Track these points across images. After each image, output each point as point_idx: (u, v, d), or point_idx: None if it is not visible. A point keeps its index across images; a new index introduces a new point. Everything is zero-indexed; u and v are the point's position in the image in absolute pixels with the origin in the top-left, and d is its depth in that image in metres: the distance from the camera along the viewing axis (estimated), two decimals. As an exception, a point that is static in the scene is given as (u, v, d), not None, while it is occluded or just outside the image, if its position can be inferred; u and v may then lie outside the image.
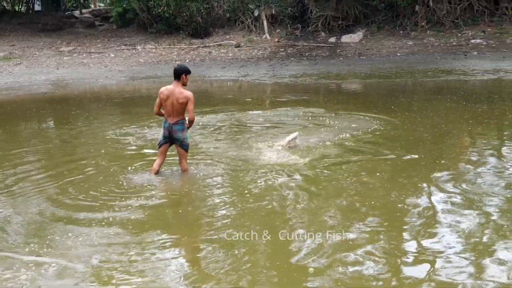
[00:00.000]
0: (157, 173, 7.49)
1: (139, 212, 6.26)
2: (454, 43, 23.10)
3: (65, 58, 25.63)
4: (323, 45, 24.48)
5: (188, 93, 7.16)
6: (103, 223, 5.94)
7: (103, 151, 9.13)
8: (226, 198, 6.63)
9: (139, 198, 6.67)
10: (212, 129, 10.54)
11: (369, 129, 9.88)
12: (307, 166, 7.70)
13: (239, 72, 19.70)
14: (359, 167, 7.63)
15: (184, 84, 7.23)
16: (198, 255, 5.21)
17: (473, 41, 23.01)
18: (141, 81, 19.25)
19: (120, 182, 7.30)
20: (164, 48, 26.17)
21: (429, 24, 24.90)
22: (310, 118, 11.20)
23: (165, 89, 7.28)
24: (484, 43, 22.61)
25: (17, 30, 31.66)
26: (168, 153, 7.64)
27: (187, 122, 7.38)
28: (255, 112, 12.17)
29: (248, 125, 10.82)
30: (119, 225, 5.87)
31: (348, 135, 9.45)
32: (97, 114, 13.19)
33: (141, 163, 8.22)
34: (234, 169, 7.72)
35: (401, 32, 24.95)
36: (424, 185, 6.88)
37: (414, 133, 9.57)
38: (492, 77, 16.07)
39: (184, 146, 7.42)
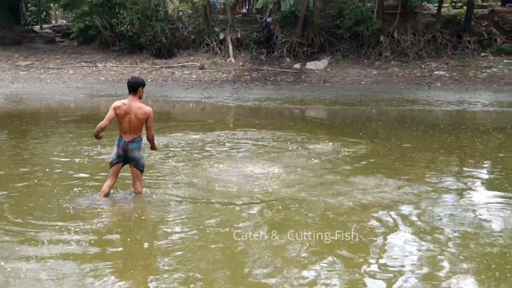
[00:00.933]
0: (107, 195, 6.85)
1: (81, 239, 5.62)
2: (418, 74, 23.23)
3: (21, 72, 24.71)
4: (288, 70, 24.28)
5: (148, 109, 6.63)
6: (37, 255, 5.27)
7: (47, 170, 8.43)
8: (180, 230, 6.02)
9: (83, 223, 6.04)
10: (172, 150, 9.97)
11: (338, 155, 9.51)
12: (274, 194, 7.19)
13: (202, 94, 19.24)
14: (328, 195, 7.19)
15: (140, 98, 6.68)
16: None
17: (436, 72, 23.20)
18: (100, 99, 18.56)
19: (64, 205, 6.65)
20: (126, 66, 25.53)
21: (394, 55, 25.04)
22: (275, 142, 10.77)
23: (122, 104, 6.63)
24: (447, 75, 22.82)
25: (-28, 43, 30.50)
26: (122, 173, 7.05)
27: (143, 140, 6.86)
28: (218, 133, 11.67)
29: (211, 147, 10.30)
30: (56, 256, 5.23)
31: (316, 160, 9.04)
32: (48, 131, 12.45)
33: (90, 183, 7.59)
34: (193, 196, 7.14)
35: (365, 61, 25.00)
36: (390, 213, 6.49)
37: (383, 160, 9.24)
38: (457, 108, 16.05)
39: (139, 166, 6.85)
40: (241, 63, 25.40)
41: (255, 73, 24.19)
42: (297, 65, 24.81)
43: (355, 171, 8.45)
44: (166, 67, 25.10)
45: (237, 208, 6.62)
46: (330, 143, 10.54)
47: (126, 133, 6.68)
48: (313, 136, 11.46)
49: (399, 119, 14.56)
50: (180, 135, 11.52)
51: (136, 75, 6.76)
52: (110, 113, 6.62)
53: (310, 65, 24.70)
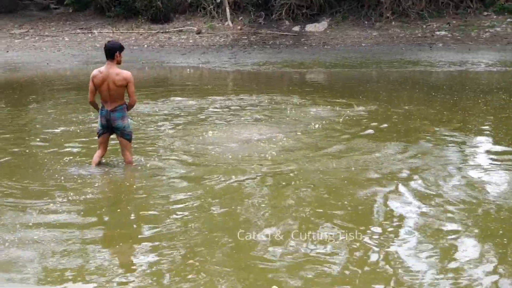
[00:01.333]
0: (98, 164, 6.65)
1: (70, 209, 5.44)
2: (419, 35, 22.75)
3: (16, 41, 24.26)
4: (287, 33, 23.81)
5: (127, 74, 6.27)
6: (24, 223, 5.10)
7: (38, 140, 8.22)
8: (174, 198, 5.83)
9: (73, 193, 5.86)
10: (168, 117, 9.74)
11: (338, 119, 9.28)
12: (274, 160, 6.98)
13: (200, 59, 18.87)
14: (328, 161, 6.99)
15: (118, 63, 6.31)
16: (128, 263, 4.47)
17: (438, 33, 22.72)
18: (96, 66, 17.97)
19: (55, 174, 6.46)
20: (122, 32, 25.06)
21: (394, 15, 24.48)
22: (274, 107, 10.53)
23: (98, 72, 6.33)
24: (449, 35, 22.35)
25: (-34, 11, 29.94)
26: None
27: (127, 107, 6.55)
28: (214, 98, 11.42)
29: (207, 113, 10.07)
30: (43, 225, 5.07)
31: (316, 124, 8.81)
32: (43, 99, 12.21)
33: (83, 151, 7.39)
34: (189, 163, 6.94)
35: (366, 22, 24.48)
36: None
37: (385, 123, 9.01)
38: (459, 69, 15.72)
39: (126, 135, 6.59)
40: (239, 27, 24.90)
41: (254, 36, 23.74)
42: (296, 28, 24.31)
43: (356, 135, 8.24)
44: (162, 32, 24.62)
45: (233, 176, 6.41)
46: (330, 107, 10.30)
47: (107, 102, 6.38)
48: (313, 99, 11.21)
49: (401, 81, 14.25)
50: (176, 100, 11.28)
51: (113, 39, 6.46)
52: (90, 85, 6.38)
53: (310, 27, 24.20)
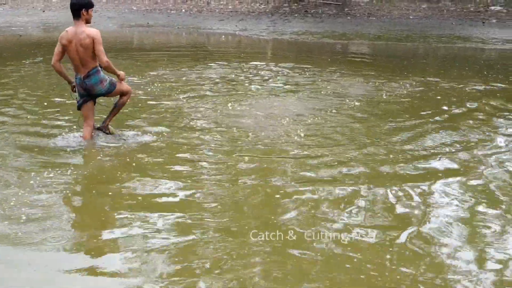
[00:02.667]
0: (91, 137, 5.94)
1: (54, 187, 4.87)
2: (471, 9, 21.37)
3: (53, 0, 23.93)
4: (331, 2, 22.72)
5: (93, 31, 5.48)
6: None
7: (46, 103, 7.71)
8: (174, 175, 5.19)
9: (60, 169, 5.24)
10: (189, 85, 9.11)
11: (377, 97, 8.47)
12: (295, 144, 6.24)
13: (237, 26, 18.11)
14: (360, 145, 6.25)
15: (87, 22, 5.57)
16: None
17: (492, 7, 21.27)
18: (131, 29, 17.74)
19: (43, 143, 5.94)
20: (160, -5, 24.39)
21: (446, -13, 23.06)
22: (309, 80, 9.76)
23: (65, 32, 5.60)
24: (505, 10, 20.89)
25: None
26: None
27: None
28: (246, 67, 10.72)
29: (235, 83, 9.39)
30: (21, 204, 4.53)
31: (352, 102, 8.04)
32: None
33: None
34: (200, 141, 6.22)
35: (415, -7, 23.14)
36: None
37: (428, 103, 8.15)
38: (515, 47, 14.54)
39: (110, 90, 5.84)
40: (281, -6, 23.93)
41: (295, 4, 22.76)
42: (341, -3, 23.21)
43: (395, 114, 7.43)
44: (201, -3, 23.88)
45: (246, 158, 5.68)
46: (370, 83, 9.47)
47: (79, 67, 5.64)
48: (353, 74, 10.39)
49: (450, 57, 13.25)
50: (202, 68, 10.65)
51: None
52: (58, 46, 5.62)
53: (355, -3, 23.05)
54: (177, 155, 5.73)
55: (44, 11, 21.30)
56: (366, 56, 13.57)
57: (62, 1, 23.62)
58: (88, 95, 5.80)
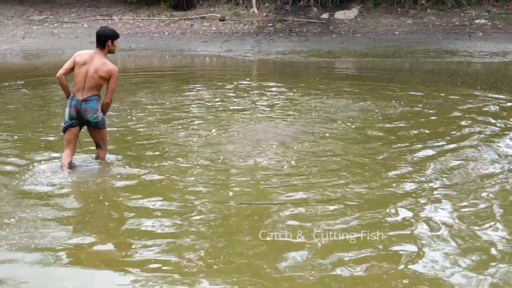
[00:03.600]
0: (70, 166, 5.68)
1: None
2: (457, 23, 21.27)
3: (34, 27, 23.51)
4: (315, 21, 22.54)
5: (113, 67, 5.45)
6: None
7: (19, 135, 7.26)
8: (154, 208, 4.80)
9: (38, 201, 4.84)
10: (178, 110, 8.71)
11: (368, 117, 8.12)
12: (287, 176, 5.78)
13: (221, 47, 17.81)
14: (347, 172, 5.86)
15: (110, 52, 5.54)
16: None
17: (477, 21, 21.19)
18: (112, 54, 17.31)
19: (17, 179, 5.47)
20: (142, 19, 24.10)
21: (430, 2, 22.97)
22: (297, 101, 9.40)
23: (85, 53, 5.57)
24: (489, 23, 20.81)
25: (-13, -3, 29.39)
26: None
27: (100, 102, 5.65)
28: (231, 89, 10.35)
29: (221, 106, 9.01)
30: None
31: (343, 124, 7.67)
32: (38, 88, 11.30)
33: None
34: (186, 166, 5.86)
35: (399, 9, 23.04)
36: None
37: (424, 124, 7.80)
38: (503, 60, 14.36)
39: (100, 125, 5.67)
40: (264, 14, 23.71)
41: (279, 24, 22.54)
42: (325, 15, 23.02)
43: (389, 139, 7.04)
44: (184, 19, 23.57)
45: (233, 190, 5.28)
46: (362, 102, 9.13)
47: (80, 90, 5.50)
48: (342, 93, 10.07)
49: (439, 72, 13.01)
50: (185, 91, 10.28)
51: (109, 26, 5.65)
52: (70, 62, 5.56)
53: (339, 14, 22.88)
54: (156, 190, 5.31)
55: (24, 38, 20.88)
56: (354, 74, 13.30)
57: (43, 28, 23.27)
58: (76, 119, 5.60)
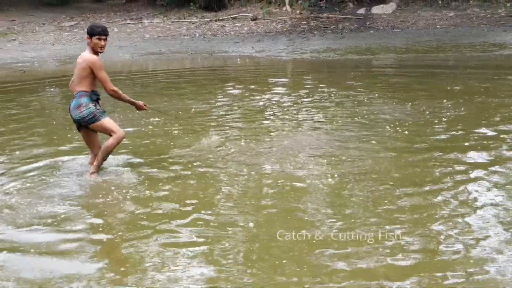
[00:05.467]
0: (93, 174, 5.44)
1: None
2: (502, 14, 20.07)
3: (65, 33, 23.29)
4: (351, 17, 21.62)
5: (90, 56, 5.17)
6: None
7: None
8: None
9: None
10: (207, 116, 8.00)
11: (422, 121, 7.24)
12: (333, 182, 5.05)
13: (254, 48, 17.06)
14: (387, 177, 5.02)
15: (93, 50, 5.23)
16: None
17: (525, 11, 19.93)
18: (142, 57, 16.80)
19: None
20: (172, 22, 23.63)
21: (472, -7, 21.80)
22: (334, 104, 8.57)
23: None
24: (538, 13, 19.53)
25: (19, 5, 29.42)
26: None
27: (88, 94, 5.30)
28: (260, 93, 9.58)
29: (249, 111, 8.26)
30: None
31: (391, 128, 6.83)
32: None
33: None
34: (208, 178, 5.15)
35: (440, 2, 21.93)
36: None
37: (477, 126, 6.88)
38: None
39: (89, 121, 5.28)
40: (298, 12, 22.92)
41: (314, 21, 21.70)
42: (361, 10, 22.09)
43: (447, 146, 6.16)
44: (215, 20, 22.99)
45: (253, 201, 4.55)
46: (407, 104, 8.22)
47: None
48: (385, 93, 9.19)
49: (490, 67, 11.97)
50: (213, 95, 9.55)
51: (97, 22, 5.51)
52: None
53: (376, 9, 21.91)
54: (182, 198, 4.59)
55: (53, 44, 20.59)
56: (396, 72, 12.37)
57: (73, 34, 23.00)
58: (74, 122, 5.44)
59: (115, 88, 5.26)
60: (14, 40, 22.00)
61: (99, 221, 4.48)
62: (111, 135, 5.27)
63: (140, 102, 5.54)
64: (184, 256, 3.81)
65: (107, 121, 5.27)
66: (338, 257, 3.70)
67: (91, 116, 5.21)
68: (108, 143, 5.28)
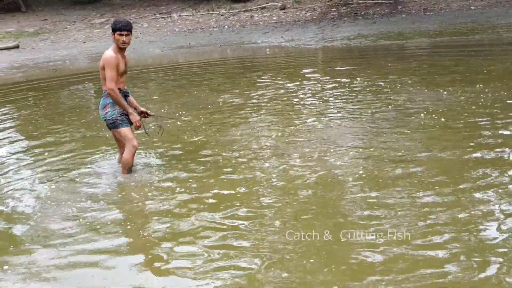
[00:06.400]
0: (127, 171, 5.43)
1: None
2: (540, -8, 19.29)
3: (95, 30, 23.49)
4: (382, 1, 21.14)
5: (105, 55, 5.12)
6: None
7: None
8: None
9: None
10: (220, 109, 7.89)
11: (457, 106, 6.98)
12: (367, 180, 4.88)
13: (283, 37, 16.86)
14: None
15: (118, 46, 5.14)
16: None
17: None
18: (172, 51, 16.78)
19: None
20: (202, 14, 23.55)
21: (508, -29, 21.05)
22: (367, 92, 8.35)
23: None
24: None
25: (51, 4, 29.83)
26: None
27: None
28: (288, 82, 9.41)
29: (275, 103, 8.11)
30: None
31: (425, 118, 6.59)
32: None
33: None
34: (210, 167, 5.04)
35: (474, -18, 21.23)
36: None
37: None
38: None
39: (110, 124, 5.26)
40: (327, -2, 22.55)
41: (344, 8, 21.31)
42: (392, -6, 21.59)
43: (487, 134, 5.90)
44: (244, 11, 22.81)
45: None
46: (443, 90, 7.93)
47: None
48: (420, 79, 8.91)
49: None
50: (248, 86, 9.42)
51: (120, 17, 5.31)
52: None
53: (408, -8, 21.38)
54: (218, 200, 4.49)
55: (84, 42, 20.77)
56: (430, 56, 12.01)
57: (104, 30, 23.15)
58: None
59: (115, 88, 5.10)
60: (46, 39, 22.29)
61: (127, 220, 4.43)
62: (124, 145, 5.28)
63: (136, 116, 5.24)
64: (218, 255, 3.71)
65: (124, 131, 5.20)
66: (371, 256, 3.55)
67: (112, 121, 5.19)
68: (124, 158, 5.28)
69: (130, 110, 5.20)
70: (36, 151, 6.54)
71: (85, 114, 8.58)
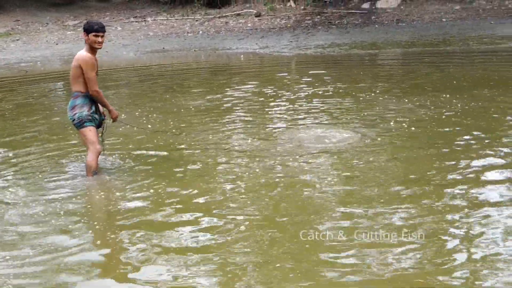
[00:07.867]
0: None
1: None
2: (510, 6, 19.78)
3: (68, 33, 23.21)
4: (356, 11, 21.41)
5: (80, 55, 5.07)
6: None
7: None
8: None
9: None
10: (202, 113, 7.88)
11: (426, 118, 7.08)
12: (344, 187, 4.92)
13: (257, 44, 16.91)
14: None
15: (90, 47, 5.08)
16: None
17: (533, 3, 19.65)
18: (146, 55, 16.66)
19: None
20: (176, 19, 23.49)
21: (478, -14, 21.51)
22: (341, 100, 8.41)
23: None
24: (546, 4, 19.25)
25: (24, 5, 29.38)
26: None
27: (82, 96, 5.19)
28: (262, 89, 9.44)
29: (249, 109, 8.12)
30: None
31: (395, 125, 6.66)
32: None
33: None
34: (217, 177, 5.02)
35: (445, -5, 21.65)
36: None
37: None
38: None
39: (76, 125, 5.21)
40: (302, 7, 22.72)
41: (318, 17, 21.50)
42: (366, 5, 21.86)
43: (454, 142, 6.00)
44: (219, 17, 22.83)
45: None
46: (415, 99, 8.04)
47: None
48: (391, 88, 9.02)
49: (498, 61, 11.75)
50: (220, 91, 9.40)
51: (93, 19, 5.30)
52: None
53: (381, 3, 21.68)
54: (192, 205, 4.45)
55: (57, 44, 20.51)
56: (403, 66, 12.17)
57: (77, 33, 22.89)
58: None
59: (99, 90, 5.12)
60: (18, 40, 21.94)
61: (101, 221, 4.36)
62: (88, 147, 5.20)
63: (116, 112, 5.39)
64: (196, 256, 3.68)
65: (88, 132, 5.14)
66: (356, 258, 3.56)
67: (78, 121, 5.14)
68: (88, 161, 5.21)
69: (111, 107, 5.32)
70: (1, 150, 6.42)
71: (53, 115, 8.46)
